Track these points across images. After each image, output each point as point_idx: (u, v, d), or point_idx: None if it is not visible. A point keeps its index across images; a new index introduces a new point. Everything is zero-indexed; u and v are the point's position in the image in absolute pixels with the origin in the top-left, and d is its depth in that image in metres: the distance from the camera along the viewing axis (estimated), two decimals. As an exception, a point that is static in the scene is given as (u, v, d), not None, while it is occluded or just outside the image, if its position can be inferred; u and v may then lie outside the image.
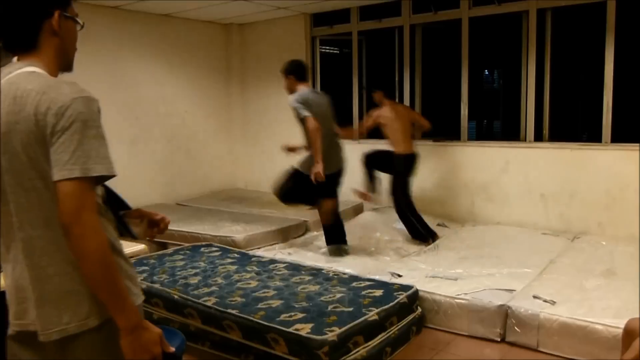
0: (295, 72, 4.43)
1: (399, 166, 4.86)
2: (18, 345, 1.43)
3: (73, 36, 1.48)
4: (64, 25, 1.43)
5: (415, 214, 4.86)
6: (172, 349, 1.42)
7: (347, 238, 4.56)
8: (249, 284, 3.51)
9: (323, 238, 4.59)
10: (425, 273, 3.82)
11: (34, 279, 1.34)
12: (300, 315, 2.93)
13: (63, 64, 1.47)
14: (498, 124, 8.20)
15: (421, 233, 4.80)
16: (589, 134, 6.24)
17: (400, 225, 4.89)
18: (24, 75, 1.33)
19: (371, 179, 5.02)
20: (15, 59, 1.40)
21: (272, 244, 4.83)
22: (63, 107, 1.26)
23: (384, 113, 4.92)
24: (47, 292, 1.34)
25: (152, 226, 1.69)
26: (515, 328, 3.18)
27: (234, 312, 3.00)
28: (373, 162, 5.00)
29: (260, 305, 3.08)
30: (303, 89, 4.37)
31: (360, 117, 6.40)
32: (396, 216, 4.87)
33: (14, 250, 1.37)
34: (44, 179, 1.30)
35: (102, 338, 1.38)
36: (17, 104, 1.29)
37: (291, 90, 4.41)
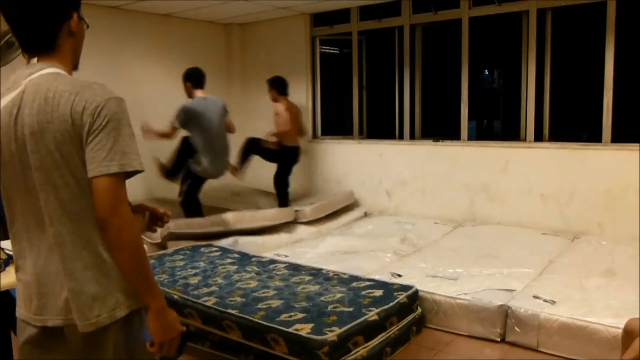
0: (191, 79, 5.08)
1: (286, 156, 5.63)
2: (37, 346, 1.46)
3: (83, 36, 1.53)
4: (79, 26, 1.48)
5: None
6: (184, 328, 1.53)
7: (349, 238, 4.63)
8: (249, 284, 3.51)
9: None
10: (425, 273, 3.82)
11: (63, 274, 1.39)
12: (300, 315, 2.93)
13: (74, 63, 1.53)
14: (498, 124, 8.20)
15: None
16: (589, 134, 6.24)
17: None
18: (51, 76, 1.38)
19: (244, 161, 5.73)
20: (34, 60, 1.43)
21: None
22: (99, 107, 1.34)
23: (279, 108, 5.65)
24: (78, 285, 1.39)
25: (154, 220, 1.75)
26: (515, 328, 3.18)
27: (234, 312, 3.00)
28: (256, 149, 5.72)
29: (260, 305, 3.08)
30: (197, 96, 5.01)
31: (360, 117, 6.41)
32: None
33: (37, 246, 1.41)
34: (75, 175, 1.36)
35: (129, 328, 1.46)
36: (49, 104, 1.34)
37: (189, 95, 5.05)
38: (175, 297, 3.31)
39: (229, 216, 4.94)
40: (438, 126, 6.33)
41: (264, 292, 3.32)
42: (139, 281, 1.40)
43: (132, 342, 1.46)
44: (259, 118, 7.03)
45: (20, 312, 1.47)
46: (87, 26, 1.52)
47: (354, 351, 2.80)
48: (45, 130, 1.34)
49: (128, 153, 1.36)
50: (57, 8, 1.42)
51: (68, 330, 1.41)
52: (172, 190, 6.43)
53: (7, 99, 1.38)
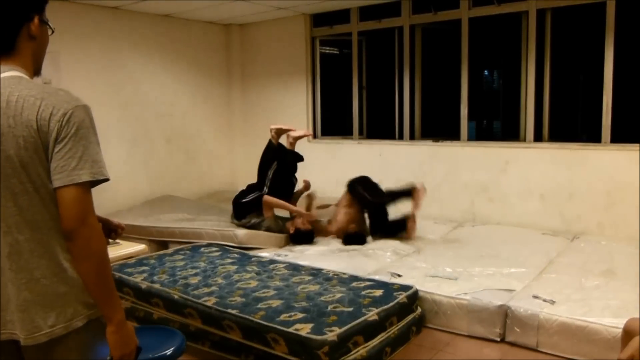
0: None
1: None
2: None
3: (46, 41, 1.48)
4: (41, 29, 1.43)
5: None
6: (137, 341, 1.49)
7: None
8: (249, 284, 3.51)
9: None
10: (425, 273, 3.83)
11: (17, 283, 1.34)
12: (300, 315, 2.93)
13: (36, 67, 1.47)
14: (498, 124, 8.18)
15: None
16: (588, 134, 6.23)
17: None
18: (14, 79, 1.34)
19: None
20: None
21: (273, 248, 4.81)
22: (67, 114, 1.30)
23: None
24: (33, 295, 1.34)
25: (108, 232, 1.74)
26: (515, 328, 3.19)
27: (234, 312, 3.01)
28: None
29: (260, 305, 3.09)
30: None
31: (360, 117, 6.41)
32: None
33: None
34: (35, 183, 1.31)
35: (87, 338, 1.41)
36: (12, 108, 1.29)
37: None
38: (175, 297, 3.32)
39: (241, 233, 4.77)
40: (438, 126, 6.32)
41: (264, 292, 3.33)
42: (102, 292, 1.36)
43: (92, 353, 1.42)
44: (259, 118, 7.05)
45: None
46: (52, 31, 1.48)
47: (354, 351, 2.80)
48: (6, 134, 1.29)
49: (98, 161, 1.33)
50: (16, 9, 1.37)
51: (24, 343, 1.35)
52: (195, 196, 6.44)
53: None
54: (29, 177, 1.31)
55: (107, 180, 1.36)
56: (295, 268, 3.89)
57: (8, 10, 1.36)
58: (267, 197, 4.73)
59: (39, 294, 1.34)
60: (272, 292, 3.33)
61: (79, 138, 1.30)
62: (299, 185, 5.25)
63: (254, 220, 4.83)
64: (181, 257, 4.20)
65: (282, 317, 2.91)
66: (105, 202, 5.61)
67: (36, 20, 1.40)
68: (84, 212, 1.31)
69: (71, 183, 1.29)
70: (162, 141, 6.39)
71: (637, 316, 2.12)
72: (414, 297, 3.39)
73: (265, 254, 4.42)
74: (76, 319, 1.37)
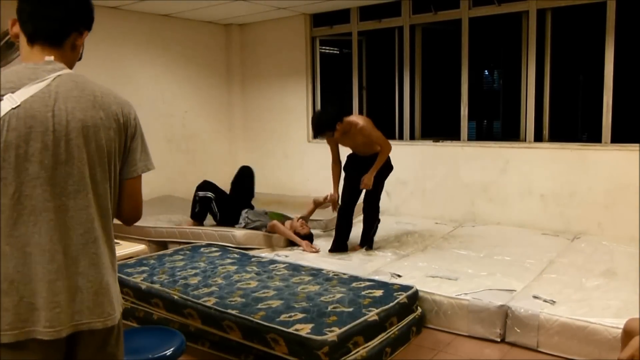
0: None
1: None
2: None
3: (77, 57, 1.53)
4: (80, 45, 1.51)
5: None
6: None
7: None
8: (249, 284, 3.51)
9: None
10: (425, 273, 3.82)
11: (97, 269, 1.39)
12: (300, 316, 2.93)
13: None
14: (498, 124, 8.19)
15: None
16: (589, 134, 6.24)
17: None
18: (84, 77, 1.42)
19: None
20: (50, 57, 1.41)
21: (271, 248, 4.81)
22: (133, 113, 1.47)
23: None
24: (106, 280, 1.41)
25: None
26: (515, 328, 3.18)
27: (233, 312, 3.00)
28: None
29: (260, 306, 3.08)
30: None
31: (360, 117, 6.40)
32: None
33: (44, 247, 1.32)
34: (110, 172, 1.43)
35: (120, 330, 1.50)
36: (99, 102, 1.39)
37: None
38: (175, 297, 3.31)
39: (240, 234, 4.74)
40: (438, 126, 6.32)
41: (264, 293, 3.32)
42: None
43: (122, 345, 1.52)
44: (258, 118, 7.05)
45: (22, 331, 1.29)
46: (81, 58, 1.53)
47: (354, 351, 2.80)
48: (97, 125, 1.37)
49: (150, 155, 1.54)
50: (76, 15, 1.45)
51: (86, 333, 1.38)
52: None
53: (31, 90, 1.31)
54: (108, 166, 1.42)
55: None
56: (295, 268, 3.89)
57: (71, 12, 1.44)
58: (276, 225, 4.71)
59: (107, 281, 1.41)
60: (272, 293, 3.32)
61: (141, 134, 1.51)
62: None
63: (248, 222, 4.89)
64: (181, 257, 4.19)
65: (282, 317, 2.91)
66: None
67: (84, 34, 1.49)
68: (141, 200, 1.56)
69: (139, 174, 1.48)
70: (162, 141, 6.39)
71: (637, 316, 2.12)
72: (414, 298, 3.38)
73: (265, 255, 4.42)
74: (119, 311, 1.46)
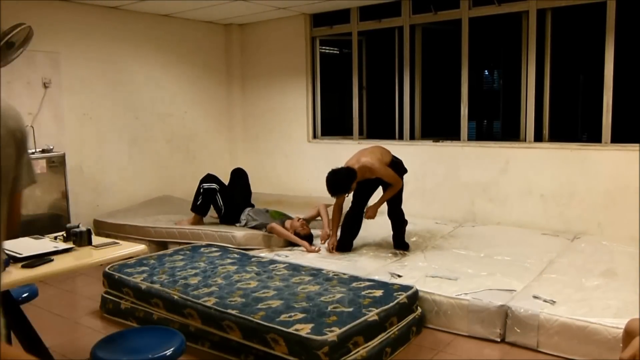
0: None
1: None
2: None
3: None
4: None
5: None
6: None
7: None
8: (249, 284, 3.51)
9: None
10: (425, 273, 3.82)
11: None
12: (300, 316, 2.93)
13: None
14: (498, 124, 8.19)
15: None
16: (589, 134, 6.24)
17: None
18: None
19: None
20: None
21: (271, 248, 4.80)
22: (25, 126, 1.37)
23: None
24: None
25: None
26: (515, 328, 3.18)
27: (233, 312, 3.00)
28: None
29: (260, 306, 3.08)
30: None
31: (360, 117, 6.41)
32: None
33: None
34: (7, 188, 1.35)
35: None
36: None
37: None
38: (175, 297, 3.31)
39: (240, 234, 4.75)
40: (438, 126, 6.32)
41: (264, 293, 3.32)
42: None
43: None
44: (258, 118, 7.05)
45: None
46: None
47: (354, 351, 2.80)
48: (8, 134, 1.31)
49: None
50: None
51: None
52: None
53: None
54: (7, 185, 1.34)
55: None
56: (295, 268, 3.89)
57: None
58: (274, 227, 4.70)
59: None
60: (272, 293, 3.32)
61: (27, 147, 1.39)
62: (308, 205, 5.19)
63: (248, 221, 4.90)
64: (181, 257, 4.19)
65: (282, 317, 2.91)
66: (105, 202, 5.61)
67: None
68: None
69: (24, 187, 1.36)
70: (162, 141, 6.39)
71: (638, 316, 2.11)
72: (414, 298, 3.38)
73: (265, 255, 4.42)
74: None
